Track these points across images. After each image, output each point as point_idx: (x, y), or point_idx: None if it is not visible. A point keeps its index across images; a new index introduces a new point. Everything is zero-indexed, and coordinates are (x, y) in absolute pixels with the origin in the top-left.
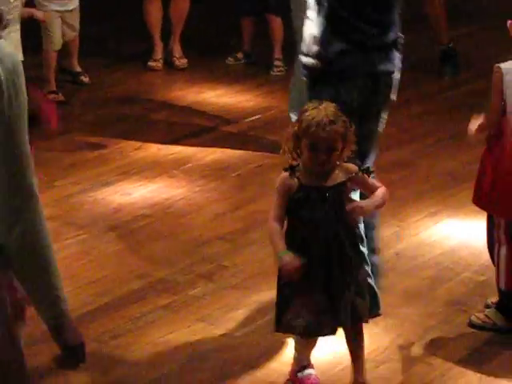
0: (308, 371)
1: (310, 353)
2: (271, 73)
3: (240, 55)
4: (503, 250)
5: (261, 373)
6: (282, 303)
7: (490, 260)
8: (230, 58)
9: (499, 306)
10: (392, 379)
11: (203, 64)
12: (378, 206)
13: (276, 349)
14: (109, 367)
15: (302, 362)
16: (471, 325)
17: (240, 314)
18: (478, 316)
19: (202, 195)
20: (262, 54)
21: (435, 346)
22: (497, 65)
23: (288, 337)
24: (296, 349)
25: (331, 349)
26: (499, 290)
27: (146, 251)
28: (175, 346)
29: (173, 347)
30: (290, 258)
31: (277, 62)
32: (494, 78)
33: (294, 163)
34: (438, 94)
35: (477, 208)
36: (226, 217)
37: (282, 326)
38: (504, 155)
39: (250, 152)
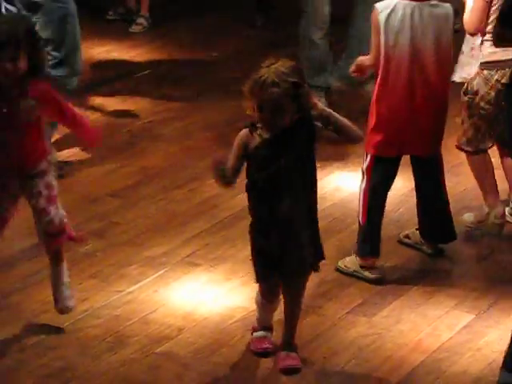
0: (261, 333)
1: (269, 314)
2: (129, 29)
3: (121, 10)
4: (363, 184)
5: (153, 327)
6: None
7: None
8: (110, 13)
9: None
10: None
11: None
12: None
13: (169, 303)
14: None
15: (260, 322)
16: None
17: (131, 270)
18: (342, 261)
19: (92, 152)
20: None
21: (326, 298)
22: (374, 4)
23: (178, 291)
24: (257, 308)
25: (224, 302)
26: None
27: None
28: None
29: None
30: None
31: (140, 20)
32: (372, 17)
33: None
34: None
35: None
36: (117, 173)
37: None
38: (378, 91)
39: (141, 107)
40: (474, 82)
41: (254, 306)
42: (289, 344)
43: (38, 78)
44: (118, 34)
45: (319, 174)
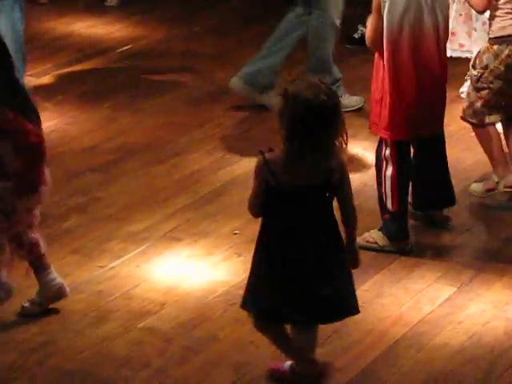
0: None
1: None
2: (104, 3)
3: None
4: (389, 171)
5: (136, 302)
6: None
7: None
8: None
9: (381, 228)
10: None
11: None
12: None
13: (151, 278)
14: None
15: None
16: None
17: (113, 245)
18: (362, 237)
19: (74, 127)
20: None
21: None
22: None
23: (160, 266)
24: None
25: (206, 277)
26: (384, 212)
27: None
28: None
29: None
30: None
31: None
32: None
33: None
34: None
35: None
36: (98, 148)
37: None
38: (390, 77)
39: (122, 82)
40: (484, 57)
41: (237, 280)
42: None
43: None
44: (97, 9)
45: None
